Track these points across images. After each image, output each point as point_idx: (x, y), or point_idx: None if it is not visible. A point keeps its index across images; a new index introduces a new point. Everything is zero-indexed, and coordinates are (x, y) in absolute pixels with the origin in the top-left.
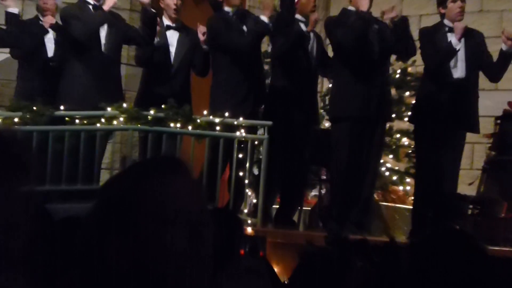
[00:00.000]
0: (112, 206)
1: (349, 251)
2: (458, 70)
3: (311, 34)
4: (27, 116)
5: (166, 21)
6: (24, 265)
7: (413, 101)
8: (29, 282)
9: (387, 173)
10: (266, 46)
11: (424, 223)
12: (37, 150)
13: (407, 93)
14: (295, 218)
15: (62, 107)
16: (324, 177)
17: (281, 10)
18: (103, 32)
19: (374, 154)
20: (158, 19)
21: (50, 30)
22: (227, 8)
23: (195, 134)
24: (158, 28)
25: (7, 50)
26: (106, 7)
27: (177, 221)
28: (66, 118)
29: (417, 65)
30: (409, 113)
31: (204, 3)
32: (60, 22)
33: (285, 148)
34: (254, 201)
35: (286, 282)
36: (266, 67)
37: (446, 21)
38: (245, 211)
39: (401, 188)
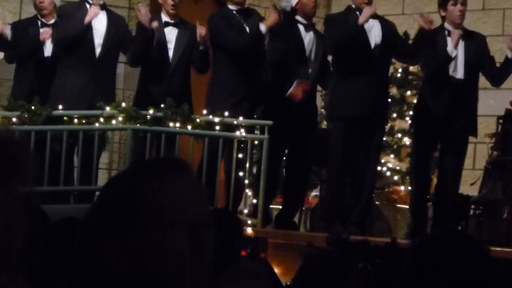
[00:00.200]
0: (113, 206)
1: (350, 252)
2: (458, 73)
3: (312, 35)
4: (25, 115)
5: (165, 17)
6: (24, 266)
7: (415, 100)
8: (28, 283)
9: (388, 173)
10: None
11: (420, 223)
12: (34, 149)
13: (409, 92)
14: (296, 218)
15: (60, 107)
16: (325, 178)
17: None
18: (102, 31)
19: (372, 155)
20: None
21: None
22: (231, 6)
23: (194, 134)
24: (155, 25)
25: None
26: (88, 18)
27: (177, 222)
28: (64, 118)
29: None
30: (411, 112)
31: (203, 1)
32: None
33: (285, 148)
34: (254, 201)
35: (287, 284)
36: None
37: (446, 24)
38: (245, 211)
39: (402, 188)
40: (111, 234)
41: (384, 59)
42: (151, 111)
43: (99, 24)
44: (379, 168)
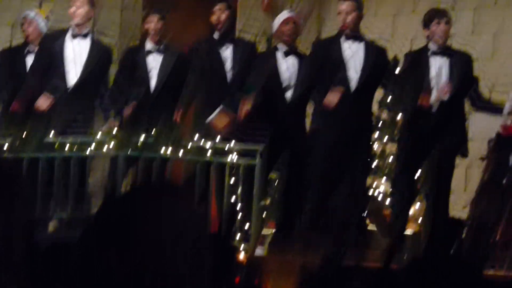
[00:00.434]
0: (110, 229)
1: (344, 276)
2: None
3: (293, 59)
4: (17, 142)
5: (148, 45)
6: None
7: None
8: None
9: (380, 197)
10: None
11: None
12: (26, 176)
13: (400, 115)
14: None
15: (52, 133)
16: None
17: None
18: (81, 62)
19: (357, 177)
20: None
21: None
22: (216, 34)
23: (186, 159)
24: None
25: None
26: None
27: (176, 247)
28: (56, 145)
29: None
30: None
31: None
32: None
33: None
34: (247, 226)
35: None
36: None
37: (430, 44)
38: (237, 236)
39: None
40: (109, 257)
41: (364, 92)
42: (142, 137)
43: (78, 55)
44: (370, 192)
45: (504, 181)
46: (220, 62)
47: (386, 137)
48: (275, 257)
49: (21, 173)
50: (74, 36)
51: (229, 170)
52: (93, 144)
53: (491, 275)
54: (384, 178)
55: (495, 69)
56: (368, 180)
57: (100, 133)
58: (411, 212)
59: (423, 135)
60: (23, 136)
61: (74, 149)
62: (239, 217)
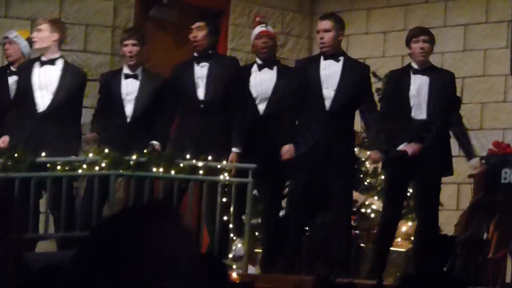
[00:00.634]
0: (100, 252)
1: None
2: (422, 112)
3: (268, 72)
4: (8, 163)
5: (125, 69)
6: None
7: None
8: None
9: (373, 215)
10: None
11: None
12: (18, 197)
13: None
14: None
15: (43, 153)
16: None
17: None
18: (53, 86)
19: (340, 195)
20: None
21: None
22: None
23: (178, 179)
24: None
25: None
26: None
27: (168, 269)
28: (48, 165)
29: None
30: None
31: (186, 47)
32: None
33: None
34: (239, 245)
35: None
36: None
37: (412, 62)
38: (230, 256)
39: None
40: (99, 278)
41: (341, 111)
42: (134, 156)
43: (49, 81)
44: (363, 210)
45: (495, 198)
46: (192, 80)
47: None
48: (268, 276)
49: (13, 192)
50: (42, 63)
51: (221, 189)
52: (84, 165)
53: None
54: (376, 197)
55: (485, 85)
56: (361, 198)
57: (91, 154)
58: (403, 229)
59: (405, 157)
60: (15, 156)
61: (66, 169)
62: (231, 235)
